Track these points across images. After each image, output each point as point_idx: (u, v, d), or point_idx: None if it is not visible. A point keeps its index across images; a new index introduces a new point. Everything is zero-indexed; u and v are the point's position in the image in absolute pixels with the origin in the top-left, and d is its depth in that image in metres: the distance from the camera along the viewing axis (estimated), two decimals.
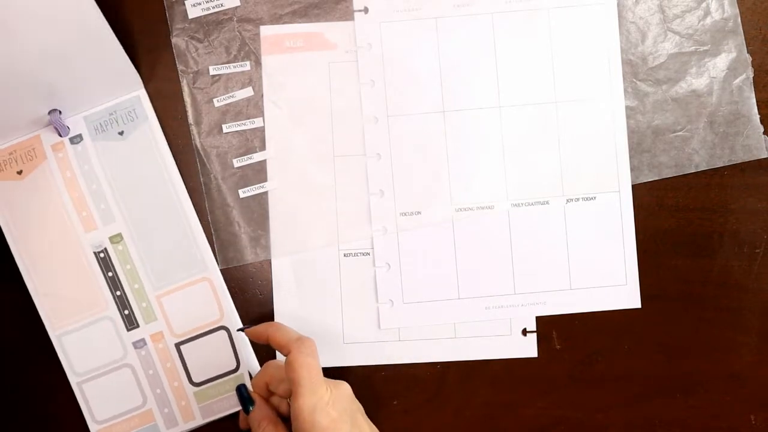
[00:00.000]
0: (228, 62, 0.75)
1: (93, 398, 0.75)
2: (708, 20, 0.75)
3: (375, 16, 0.75)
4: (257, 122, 0.75)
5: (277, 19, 0.75)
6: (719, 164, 0.76)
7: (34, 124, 0.72)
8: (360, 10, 0.75)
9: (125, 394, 0.75)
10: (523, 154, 0.75)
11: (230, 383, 0.76)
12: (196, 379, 0.76)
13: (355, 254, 0.76)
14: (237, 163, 0.75)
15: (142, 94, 0.74)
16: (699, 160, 0.76)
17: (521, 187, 0.75)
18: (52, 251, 0.74)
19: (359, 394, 0.73)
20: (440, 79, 0.75)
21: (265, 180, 0.76)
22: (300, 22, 0.75)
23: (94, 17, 0.69)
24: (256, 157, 0.75)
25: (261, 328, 0.70)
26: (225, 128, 0.75)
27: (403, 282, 0.76)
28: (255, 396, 0.71)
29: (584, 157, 0.75)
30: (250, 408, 0.70)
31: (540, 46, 0.75)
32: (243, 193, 0.75)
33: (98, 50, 0.71)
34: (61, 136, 0.73)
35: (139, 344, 0.75)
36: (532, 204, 0.76)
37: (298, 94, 0.75)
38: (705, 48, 0.75)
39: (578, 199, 0.76)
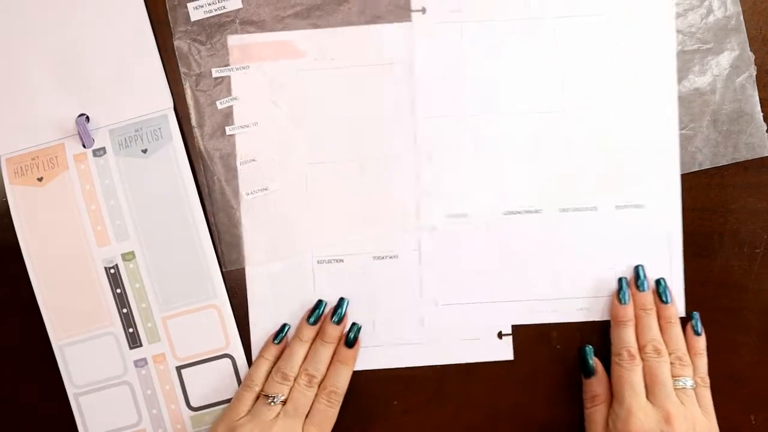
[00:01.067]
0: (230, 64, 0.76)
1: (88, 411, 0.75)
2: (711, 18, 0.75)
3: (430, 18, 0.75)
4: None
5: (279, 21, 0.75)
6: (723, 162, 0.75)
7: (60, 129, 0.74)
8: (418, 10, 0.75)
9: (121, 411, 0.75)
10: (572, 160, 0.75)
11: None
12: (194, 404, 0.75)
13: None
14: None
15: (170, 113, 0.74)
16: (702, 159, 0.75)
17: (570, 192, 0.75)
18: (63, 261, 0.74)
19: (359, 395, 0.73)
20: (496, 83, 0.75)
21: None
22: (303, 28, 0.75)
23: (142, 26, 0.74)
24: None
25: None
26: (228, 130, 0.75)
27: (447, 283, 0.75)
28: (597, 366, 0.75)
29: (634, 165, 0.75)
30: (592, 376, 0.74)
31: (599, 52, 0.75)
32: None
33: (138, 59, 0.74)
34: (84, 147, 0.73)
35: (140, 363, 0.75)
36: (580, 209, 0.75)
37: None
38: (708, 46, 0.75)
39: (627, 206, 0.75)
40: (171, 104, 0.74)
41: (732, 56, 0.75)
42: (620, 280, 0.74)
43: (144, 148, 0.74)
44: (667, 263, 0.75)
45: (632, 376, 0.70)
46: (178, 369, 0.75)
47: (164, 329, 0.74)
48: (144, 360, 0.74)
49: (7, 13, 0.73)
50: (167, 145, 0.74)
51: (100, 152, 0.74)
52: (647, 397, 0.70)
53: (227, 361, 0.75)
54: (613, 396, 0.72)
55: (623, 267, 0.75)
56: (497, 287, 0.75)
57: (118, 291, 0.74)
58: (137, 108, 0.74)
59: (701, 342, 0.73)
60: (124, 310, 0.74)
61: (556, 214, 0.75)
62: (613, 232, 0.75)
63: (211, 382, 0.75)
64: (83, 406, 0.74)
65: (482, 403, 0.76)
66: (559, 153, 0.75)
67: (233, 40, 0.75)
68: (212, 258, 0.74)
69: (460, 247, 0.75)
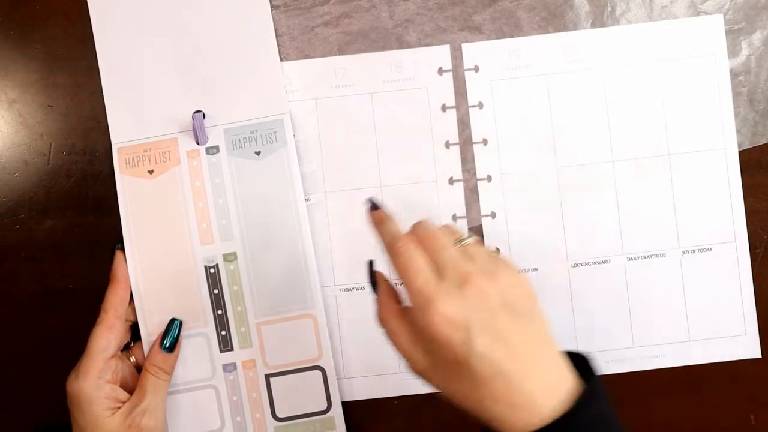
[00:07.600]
0: None
1: (171, 413, 0.73)
2: None
3: (486, 74, 0.75)
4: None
5: (309, 31, 0.75)
6: (762, 142, 0.75)
7: (174, 124, 0.73)
8: (471, 69, 0.75)
9: (204, 415, 0.73)
10: (637, 208, 0.75)
11: (316, 424, 0.74)
12: (279, 414, 0.73)
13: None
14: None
15: (287, 118, 0.74)
16: (741, 140, 0.75)
17: (637, 240, 0.75)
18: (164, 256, 0.73)
19: None
20: (553, 135, 0.75)
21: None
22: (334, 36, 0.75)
23: (266, 30, 0.74)
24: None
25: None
26: None
27: None
28: (380, 280, 0.61)
29: (699, 208, 0.75)
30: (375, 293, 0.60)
31: (652, 99, 0.75)
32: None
33: (259, 61, 0.74)
34: (198, 143, 0.73)
35: (229, 368, 0.73)
36: (647, 257, 0.75)
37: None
38: (739, 26, 0.75)
39: (694, 251, 0.74)
40: (288, 109, 0.74)
41: (764, 34, 0.75)
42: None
43: (257, 150, 0.73)
44: (739, 305, 0.75)
45: (415, 261, 0.55)
46: (267, 377, 0.73)
47: (258, 335, 0.73)
48: (233, 365, 0.73)
49: (133, 7, 0.74)
50: (281, 149, 0.73)
51: (213, 150, 0.73)
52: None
53: (318, 373, 0.73)
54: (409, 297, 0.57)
55: (695, 312, 0.74)
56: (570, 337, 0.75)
57: (216, 292, 0.73)
58: (254, 110, 0.74)
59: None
60: (219, 312, 0.73)
61: (625, 263, 0.75)
62: (682, 278, 0.74)
63: (300, 394, 0.73)
64: (168, 406, 0.72)
65: None
66: (623, 201, 0.74)
67: None
68: (314, 268, 0.73)
69: None
